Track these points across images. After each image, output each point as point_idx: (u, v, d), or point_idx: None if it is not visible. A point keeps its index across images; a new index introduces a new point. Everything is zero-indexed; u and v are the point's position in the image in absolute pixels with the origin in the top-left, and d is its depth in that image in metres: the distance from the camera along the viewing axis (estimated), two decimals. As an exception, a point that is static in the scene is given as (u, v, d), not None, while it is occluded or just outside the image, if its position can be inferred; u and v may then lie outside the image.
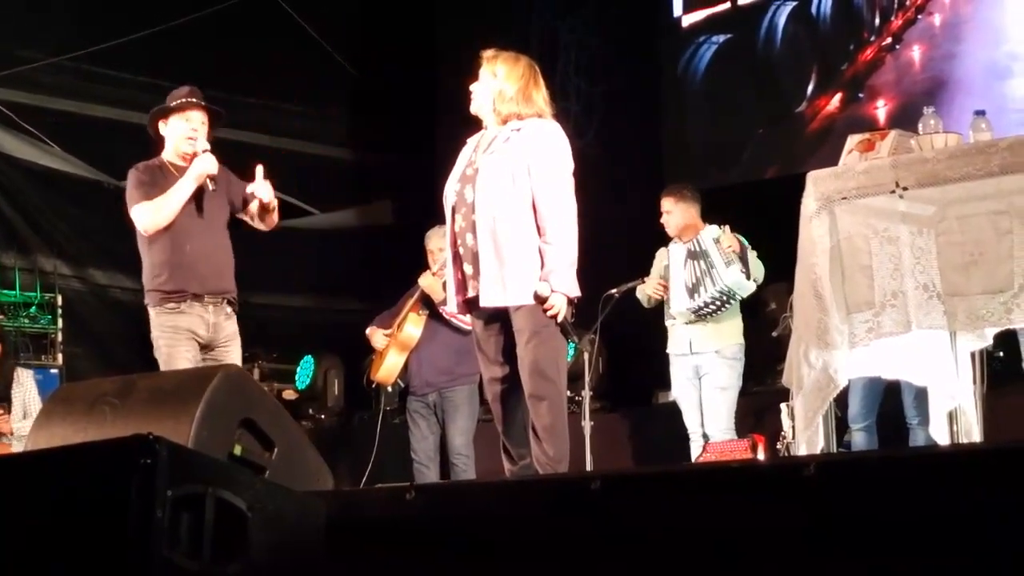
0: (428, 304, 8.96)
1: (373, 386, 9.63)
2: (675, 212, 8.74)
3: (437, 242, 9.06)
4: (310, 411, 12.57)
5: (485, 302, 6.23)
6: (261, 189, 7.38)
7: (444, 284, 8.78)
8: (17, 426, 9.38)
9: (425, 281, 8.93)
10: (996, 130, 6.11)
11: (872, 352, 6.13)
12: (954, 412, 6.17)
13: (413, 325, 8.97)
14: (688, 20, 12.68)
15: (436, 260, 8.95)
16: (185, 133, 7.37)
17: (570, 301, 6.16)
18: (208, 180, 7.22)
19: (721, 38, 12.45)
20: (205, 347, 7.23)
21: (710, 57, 12.43)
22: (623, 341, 10.24)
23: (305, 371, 12.95)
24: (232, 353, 7.32)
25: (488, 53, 6.44)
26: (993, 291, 5.66)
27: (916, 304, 5.83)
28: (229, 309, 7.33)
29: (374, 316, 9.38)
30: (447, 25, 14.31)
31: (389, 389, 9.54)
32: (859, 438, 7.85)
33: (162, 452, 3.37)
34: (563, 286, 6.10)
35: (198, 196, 7.26)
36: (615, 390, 10.66)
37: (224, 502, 3.58)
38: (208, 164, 7.22)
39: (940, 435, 6.27)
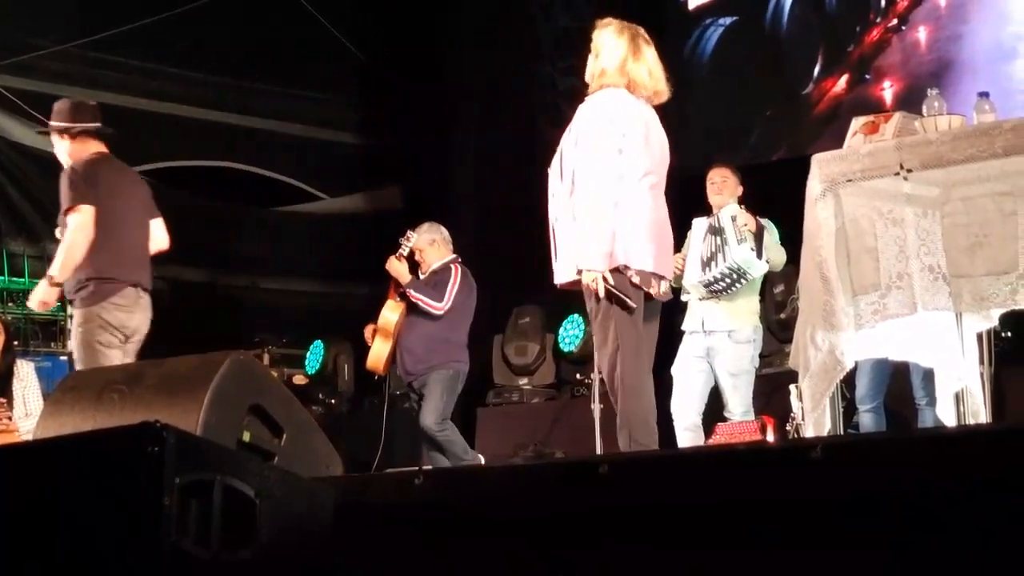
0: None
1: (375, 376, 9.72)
2: (730, 181, 8.51)
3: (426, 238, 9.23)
4: (320, 396, 12.60)
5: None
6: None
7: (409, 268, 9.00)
8: (23, 426, 9.21)
9: (390, 266, 9.10)
10: (1001, 111, 6.12)
11: (878, 333, 6.13)
12: (961, 393, 6.17)
13: (389, 311, 9.16)
14: (694, 2, 12.70)
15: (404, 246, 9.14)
16: None
17: (620, 269, 5.95)
18: None
19: (728, 20, 12.45)
20: None
21: (717, 39, 12.43)
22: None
23: (315, 356, 12.98)
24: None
25: (599, 23, 6.24)
26: (998, 272, 5.67)
27: (922, 286, 5.84)
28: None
29: (384, 301, 9.41)
30: (455, 9, 14.29)
31: (385, 375, 9.59)
32: (867, 419, 7.83)
33: (170, 440, 3.39)
34: (585, 262, 5.97)
35: None
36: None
37: (232, 489, 3.60)
38: None
39: (947, 416, 6.27)
